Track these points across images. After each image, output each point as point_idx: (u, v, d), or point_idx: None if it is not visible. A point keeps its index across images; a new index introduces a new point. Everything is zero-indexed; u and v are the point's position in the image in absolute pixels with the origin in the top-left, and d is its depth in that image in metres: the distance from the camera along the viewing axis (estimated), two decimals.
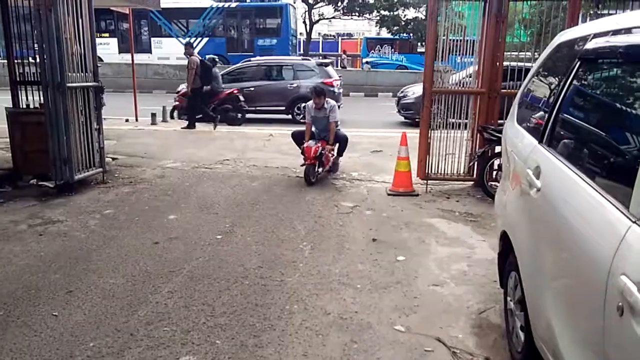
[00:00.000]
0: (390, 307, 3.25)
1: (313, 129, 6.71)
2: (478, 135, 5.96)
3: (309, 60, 13.50)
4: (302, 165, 6.39)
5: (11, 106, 6.50)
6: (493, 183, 5.71)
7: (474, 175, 6.09)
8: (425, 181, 6.07)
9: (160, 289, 3.45)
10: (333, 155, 6.60)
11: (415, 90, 12.53)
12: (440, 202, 5.58)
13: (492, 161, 5.76)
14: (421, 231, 4.65)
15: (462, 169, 6.15)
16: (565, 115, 2.43)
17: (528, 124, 3.01)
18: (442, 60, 5.96)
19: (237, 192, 5.91)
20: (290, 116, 12.48)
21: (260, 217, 4.98)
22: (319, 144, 6.32)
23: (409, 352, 2.76)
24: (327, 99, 6.64)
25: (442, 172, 6.13)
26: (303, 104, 12.19)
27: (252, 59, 14.77)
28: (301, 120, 12.21)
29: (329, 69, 13.09)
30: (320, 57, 31.79)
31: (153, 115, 11.20)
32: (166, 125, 10.99)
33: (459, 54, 5.99)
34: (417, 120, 12.14)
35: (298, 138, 6.75)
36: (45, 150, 5.60)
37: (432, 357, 2.72)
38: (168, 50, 22.35)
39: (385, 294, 3.43)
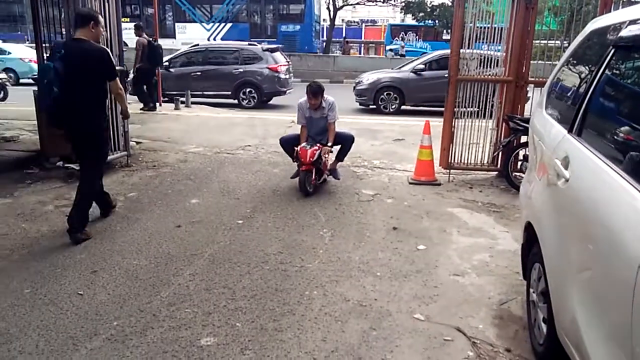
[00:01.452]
0: (410, 295, 3.24)
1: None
2: (503, 124, 5.85)
3: (255, 45, 13.50)
4: (292, 177, 5.62)
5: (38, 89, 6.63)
6: (517, 174, 5.62)
7: (498, 166, 6.00)
8: (448, 170, 6.00)
9: (182, 272, 3.50)
10: (328, 158, 5.58)
11: (369, 77, 12.57)
12: (462, 192, 5.51)
13: (517, 151, 5.66)
14: (443, 220, 4.61)
15: (485, 159, 6.06)
16: (597, 104, 2.36)
17: (557, 113, 2.94)
18: (468, 48, 5.86)
19: (258, 177, 5.94)
20: (236, 101, 12.60)
21: (280, 203, 5.00)
22: (316, 147, 5.34)
23: (428, 341, 2.75)
24: (324, 95, 5.47)
25: (465, 161, 6.05)
26: (249, 89, 12.37)
27: (200, 43, 14.87)
28: (246, 105, 12.34)
29: (276, 54, 13.11)
30: (345, 43, 31.48)
31: (176, 100, 11.30)
32: (189, 111, 11.08)
33: (486, 42, 5.87)
34: (370, 106, 12.25)
35: (288, 145, 5.63)
36: None
37: (451, 347, 2.70)
38: (192, 36, 22.40)
39: (405, 282, 3.42)
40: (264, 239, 4.10)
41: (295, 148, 5.41)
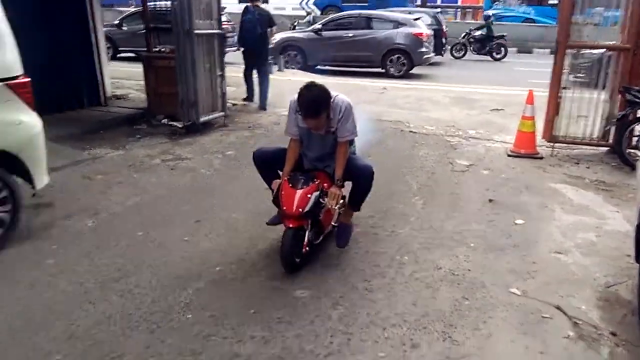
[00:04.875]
0: (506, 269, 3.14)
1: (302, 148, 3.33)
2: (618, 96, 5.35)
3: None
4: (269, 223, 3.37)
5: (146, 51, 7.05)
6: (632, 150, 5.14)
7: (610, 141, 5.52)
8: (551, 144, 5.63)
9: (277, 228, 3.58)
10: (340, 206, 3.16)
11: (276, 37, 12.13)
12: (567, 167, 5.16)
13: (632, 126, 5.17)
14: (544, 196, 4.36)
15: (595, 133, 5.60)
16: None
17: None
18: (580, 13, 5.36)
19: None
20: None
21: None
22: (313, 185, 3.02)
23: (524, 316, 2.66)
24: (332, 98, 3.18)
25: (572, 135, 5.63)
26: None
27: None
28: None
29: None
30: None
31: (270, 64, 11.50)
32: (281, 75, 11.24)
33: (602, 7, 5.35)
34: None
35: (265, 166, 3.37)
36: (175, 93, 6.03)
37: (550, 324, 2.59)
38: (284, 1, 22.53)
39: (500, 255, 3.31)
40: None
41: (274, 182, 3.17)
